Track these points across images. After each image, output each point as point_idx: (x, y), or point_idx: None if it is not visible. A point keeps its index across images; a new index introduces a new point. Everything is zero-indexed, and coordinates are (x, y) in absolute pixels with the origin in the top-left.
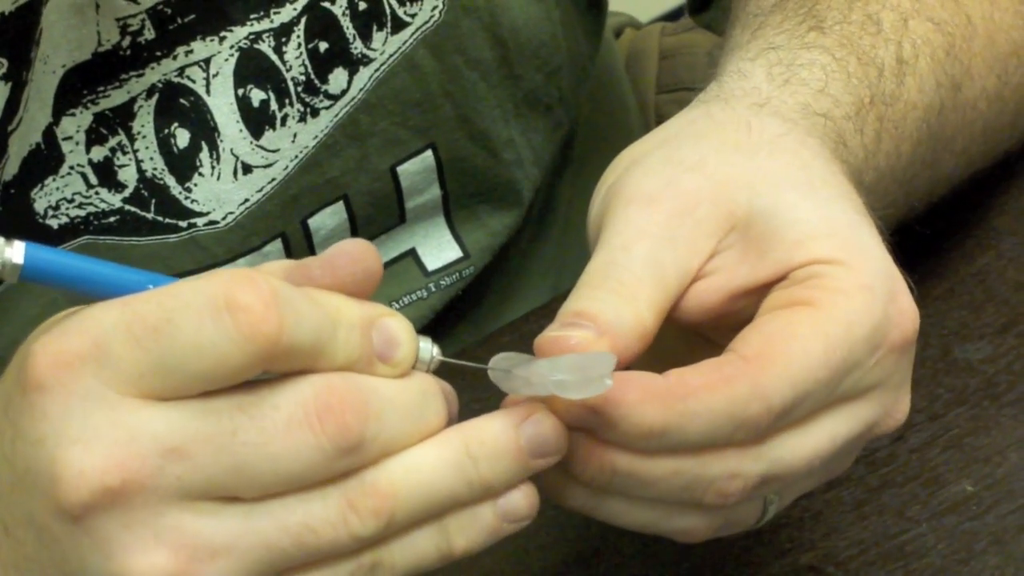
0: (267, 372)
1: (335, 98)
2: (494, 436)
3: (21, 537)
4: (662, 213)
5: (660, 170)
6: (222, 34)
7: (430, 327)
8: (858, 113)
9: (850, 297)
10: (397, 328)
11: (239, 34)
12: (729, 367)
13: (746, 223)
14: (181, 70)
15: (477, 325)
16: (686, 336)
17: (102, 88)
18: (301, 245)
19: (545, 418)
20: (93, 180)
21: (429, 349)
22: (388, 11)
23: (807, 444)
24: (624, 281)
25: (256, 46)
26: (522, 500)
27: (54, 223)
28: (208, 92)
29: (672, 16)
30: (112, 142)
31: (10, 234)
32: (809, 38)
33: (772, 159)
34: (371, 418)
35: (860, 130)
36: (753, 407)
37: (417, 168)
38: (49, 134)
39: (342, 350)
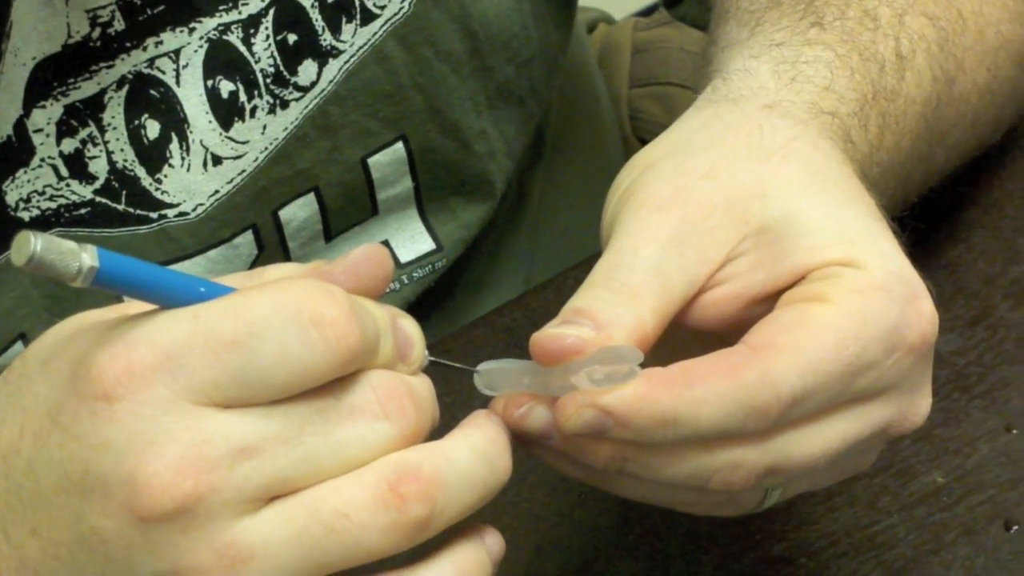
0: None
1: (305, 90)
2: (501, 430)
3: (57, 538)
4: (673, 220)
5: (673, 177)
6: (191, 25)
7: None
8: (862, 109)
9: (865, 296)
10: (411, 329)
11: (208, 25)
12: (737, 356)
13: (760, 230)
14: (151, 61)
15: (450, 317)
16: (707, 342)
17: (72, 80)
18: (272, 237)
19: (542, 404)
20: (64, 172)
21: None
22: (357, 3)
23: (816, 441)
24: (627, 282)
25: (225, 37)
26: (499, 544)
27: (25, 215)
28: (178, 83)
29: (645, 13)
30: (83, 134)
31: None
32: (811, 34)
33: (785, 164)
34: (417, 408)
35: (864, 126)
36: (762, 395)
37: (388, 160)
38: (20, 126)
39: (383, 352)
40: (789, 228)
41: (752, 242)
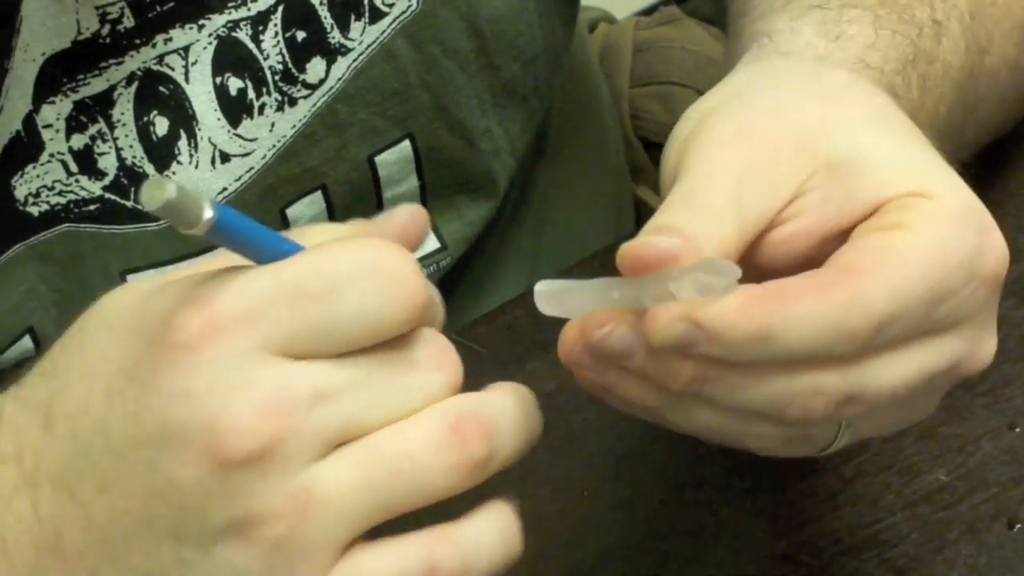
0: None
1: (313, 88)
2: (528, 390)
3: (128, 493)
4: (743, 153)
5: (737, 116)
6: (200, 22)
7: None
8: (904, 69)
9: (942, 225)
10: (438, 296)
11: (217, 22)
12: (828, 276)
13: (828, 166)
14: (160, 58)
15: (453, 315)
16: None
17: (82, 76)
18: None
19: (623, 323)
20: (73, 168)
21: None
22: (366, 1)
23: (897, 371)
24: (707, 203)
25: (234, 34)
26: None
27: (34, 211)
28: (187, 80)
29: (646, 12)
30: (92, 130)
31: None
32: None
33: (847, 104)
34: (458, 364)
35: (908, 85)
36: (855, 316)
37: (395, 158)
38: (29, 122)
39: (431, 313)
40: (859, 163)
41: (821, 177)
